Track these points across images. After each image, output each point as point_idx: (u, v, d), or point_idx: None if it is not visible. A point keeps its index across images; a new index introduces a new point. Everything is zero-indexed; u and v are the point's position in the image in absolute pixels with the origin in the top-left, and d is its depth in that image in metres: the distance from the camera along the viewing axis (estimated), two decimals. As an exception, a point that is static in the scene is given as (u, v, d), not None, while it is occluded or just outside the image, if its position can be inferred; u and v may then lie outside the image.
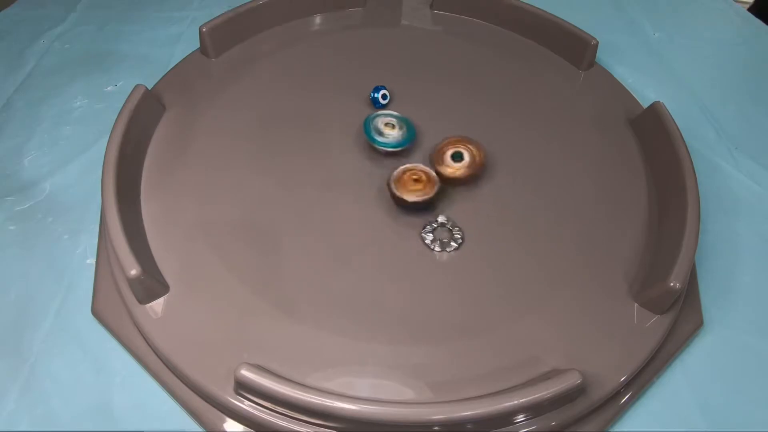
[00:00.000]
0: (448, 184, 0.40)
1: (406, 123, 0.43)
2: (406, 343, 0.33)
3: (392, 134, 0.42)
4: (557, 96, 0.49)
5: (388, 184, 0.39)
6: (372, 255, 0.38)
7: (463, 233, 0.39)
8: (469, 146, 0.40)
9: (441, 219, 0.39)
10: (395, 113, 0.44)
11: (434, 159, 0.41)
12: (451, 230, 0.39)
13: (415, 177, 0.39)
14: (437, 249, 0.38)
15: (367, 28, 0.55)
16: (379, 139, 0.42)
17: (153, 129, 0.43)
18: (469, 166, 0.39)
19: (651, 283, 0.35)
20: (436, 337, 0.34)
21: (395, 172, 0.39)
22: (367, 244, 0.38)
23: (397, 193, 0.38)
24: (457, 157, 0.39)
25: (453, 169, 0.39)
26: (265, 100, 0.47)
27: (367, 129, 0.42)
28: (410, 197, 0.38)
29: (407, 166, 0.40)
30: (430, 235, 0.38)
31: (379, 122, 0.43)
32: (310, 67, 0.50)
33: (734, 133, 0.50)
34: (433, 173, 0.39)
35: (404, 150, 0.43)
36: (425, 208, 0.39)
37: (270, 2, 0.51)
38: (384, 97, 0.46)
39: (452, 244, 0.38)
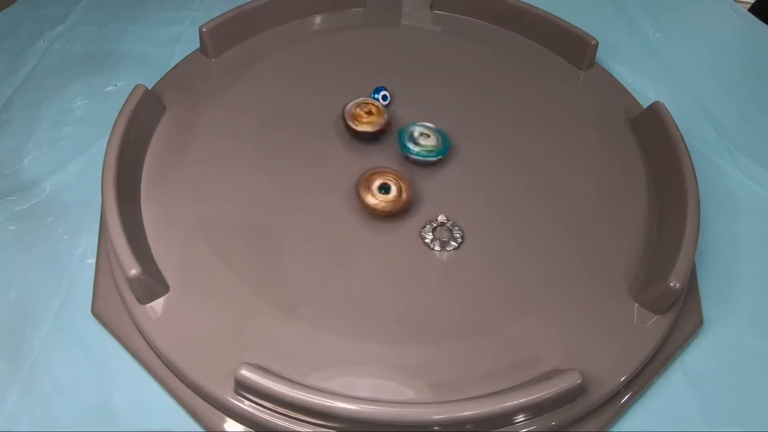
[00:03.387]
0: (368, 213, 0.39)
1: (440, 134, 0.43)
2: (406, 343, 0.33)
3: (428, 143, 0.41)
4: (557, 96, 0.49)
5: (343, 117, 0.42)
6: (372, 254, 0.38)
7: (463, 233, 0.39)
8: (399, 182, 0.38)
9: (441, 218, 0.39)
10: (430, 124, 0.43)
11: (361, 184, 0.39)
12: (450, 230, 0.39)
13: (366, 110, 0.42)
14: (437, 248, 0.38)
15: (367, 28, 0.55)
16: (414, 148, 0.41)
17: (153, 129, 0.43)
18: (394, 201, 0.38)
19: (651, 283, 0.35)
20: (436, 337, 0.34)
21: (348, 106, 0.43)
22: (367, 243, 0.38)
23: (353, 126, 0.42)
24: (384, 189, 0.38)
25: (376, 200, 0.38)
26: (265, 100, 0.47)
27: (402, 139, 0.42)
28: (363, 128, 0.42)
29: (360, 100, 0.43)
30: (430, 234, 0.38)
31: (415, 131, 0.42)
32: (310, 67, 0.50)
33: (734, 133, 0.50)
34: (382, 107, 0.43)
35: (438, 161, 0.42)
36: (375, 138, 0.43)
37: (270, 2, 0.51)
38: (384, 98, 0.46)
39: (452, 243, 0.38)
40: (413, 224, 0.39)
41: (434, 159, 0.41)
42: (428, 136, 0.42)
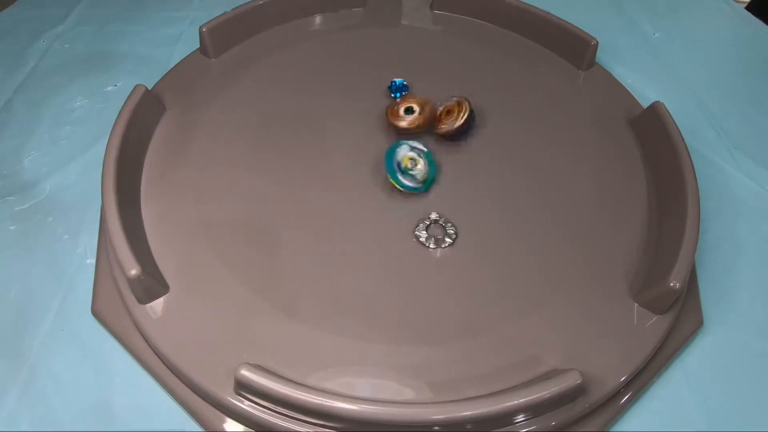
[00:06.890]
0: (402, 135, 0.43)
1: (428, 158, 0.41)
2: (406, 343, 0.33)
3: (416, 171, 0.40)
4: (557, 96, 0.49)
5: (438, 116, 0.44)
6: (371, 254, 0.38)
7: (456, 229, 0.39)
8: (420, 102, 0.44)
9: (434, 216, 0.39)
10: (420, 146, 0.41)
11: (390, 114, 0.44)
12: (444, 226, 0.39)
13: (449, 109, 0.44)
14: (432, 246, 0.38)
15: (367, 28, 0.55)
16: (403, 180, 0.40)
17: (153, 129, 0.43)
18: (420, 117, 0.43)
19: (651, 283, 0.35)
20: (436, 337, 0.34)
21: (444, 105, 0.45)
22: (366, 243, 0.38)
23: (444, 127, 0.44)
24: (409, 111, 0.44)
25: (406, 121, 0.43)
26: (265, 100, 0.47)
27: (390, 164, 0.40)
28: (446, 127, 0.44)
29: (450, 103, 0.44)
30: (424, 232, 0.38)
31: (402, 155, 0.40)
32: (310, 67, 0.50)
33: (734, 133, 0.50)
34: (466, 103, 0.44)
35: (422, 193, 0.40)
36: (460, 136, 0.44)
37: (270, 2, 0.51)
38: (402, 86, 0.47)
39: (446, 240, 0.38)
40: (410, 223, 0.39)
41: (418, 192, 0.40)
42: (416, 161, 0.40)
